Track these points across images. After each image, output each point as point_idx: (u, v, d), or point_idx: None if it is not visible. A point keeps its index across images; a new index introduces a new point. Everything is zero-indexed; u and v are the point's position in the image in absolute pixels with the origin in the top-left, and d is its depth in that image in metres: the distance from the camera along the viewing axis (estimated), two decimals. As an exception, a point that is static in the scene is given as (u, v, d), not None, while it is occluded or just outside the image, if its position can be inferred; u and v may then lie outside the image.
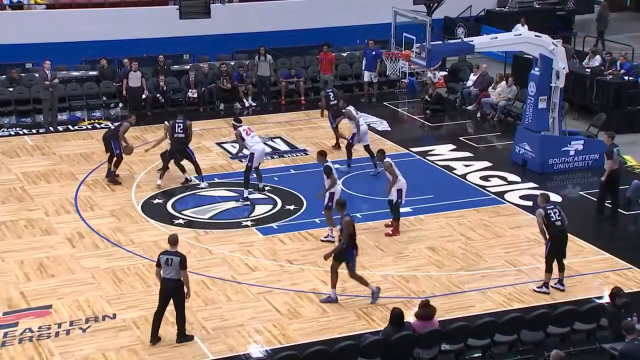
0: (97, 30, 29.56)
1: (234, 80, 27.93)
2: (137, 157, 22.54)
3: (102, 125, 25.85)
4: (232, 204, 20.45)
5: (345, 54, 30.61)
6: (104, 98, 27.20)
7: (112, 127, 23.06)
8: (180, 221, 19.57)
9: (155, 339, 14.71)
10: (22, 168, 22.50)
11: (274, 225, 19.42)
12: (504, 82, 27.08)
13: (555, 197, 20.30)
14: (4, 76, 27.27)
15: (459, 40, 25.22)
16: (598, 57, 28.32)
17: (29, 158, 23.35)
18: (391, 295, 16.40)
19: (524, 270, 17.43)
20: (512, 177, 22.20)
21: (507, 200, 20.77)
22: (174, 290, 14.48)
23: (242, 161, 22.11)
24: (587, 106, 26.77)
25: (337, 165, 20.12)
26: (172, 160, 21.51)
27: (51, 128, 25.54)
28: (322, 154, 18.84)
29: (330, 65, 28.75)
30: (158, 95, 27.09)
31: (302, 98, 28.47)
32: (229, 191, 21.12)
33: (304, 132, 25.54)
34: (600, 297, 16.07)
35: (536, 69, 22.32)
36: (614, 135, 20.23)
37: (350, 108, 22.65)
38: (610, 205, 20.04)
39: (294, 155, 23.72)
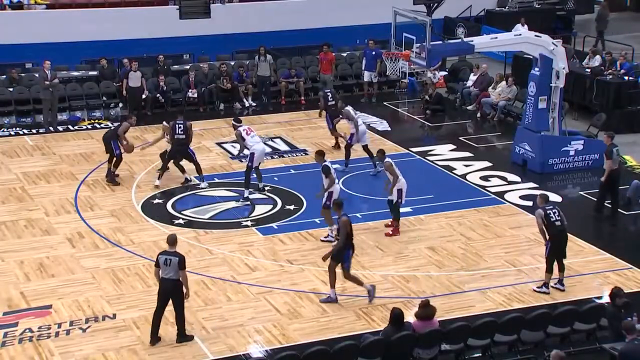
0: (97, 30, 29.54)
1: (234, 80, 27.91)
2: (137, 157, 22.54)
3: (102, 125, 25.84)
4: (232, 204, 20.46)
5: (345, 54, 30.59)
6: (104, 98, 27.16)
7: (112, 128, 23.00)
8: (180, 221, 19.57)
9: (155, 339, 14.71)
10: (22, 168, 22.49)
11: (274, 225, 19.41)
12: (504, 82, 27.06)
13: (555, 197, 20.34)
14: (4, 76, 27.25)
15: (459, 40, 25.17)
16: (598, 57, 28.31)
17: (29, 158, 23.33)
18: (391, 295, 16.39)
19: (524, 270, 17.43)
20: (512, 177, 22.20)
21: (507, 200, 20.76)
22: (172, 291, 14.47)
23: (242, 161, 22.12)
24: (587, 106, 26.76)
25: (336, 165, 20.12)
26: (172, 161, 21.52)
27: (51, 128, 25.52)
28: (320, 154, 18.85)
29: (330, 65, 28.73)
30: (158, 95, 27.07)
31: (302, 98, 28.45)
32: (229, 191, 21.12)
33: (304, 132, 25.53)
34: (600, 297, 16.06)
35: (536, 69, 22.31)
36: (613, 135, 20.23)
37: (349, 108, 22.63)
38: (610, 205, 20.04)
39: (294, 155, 23.71)
